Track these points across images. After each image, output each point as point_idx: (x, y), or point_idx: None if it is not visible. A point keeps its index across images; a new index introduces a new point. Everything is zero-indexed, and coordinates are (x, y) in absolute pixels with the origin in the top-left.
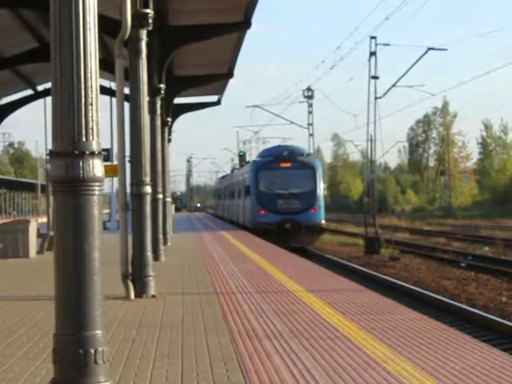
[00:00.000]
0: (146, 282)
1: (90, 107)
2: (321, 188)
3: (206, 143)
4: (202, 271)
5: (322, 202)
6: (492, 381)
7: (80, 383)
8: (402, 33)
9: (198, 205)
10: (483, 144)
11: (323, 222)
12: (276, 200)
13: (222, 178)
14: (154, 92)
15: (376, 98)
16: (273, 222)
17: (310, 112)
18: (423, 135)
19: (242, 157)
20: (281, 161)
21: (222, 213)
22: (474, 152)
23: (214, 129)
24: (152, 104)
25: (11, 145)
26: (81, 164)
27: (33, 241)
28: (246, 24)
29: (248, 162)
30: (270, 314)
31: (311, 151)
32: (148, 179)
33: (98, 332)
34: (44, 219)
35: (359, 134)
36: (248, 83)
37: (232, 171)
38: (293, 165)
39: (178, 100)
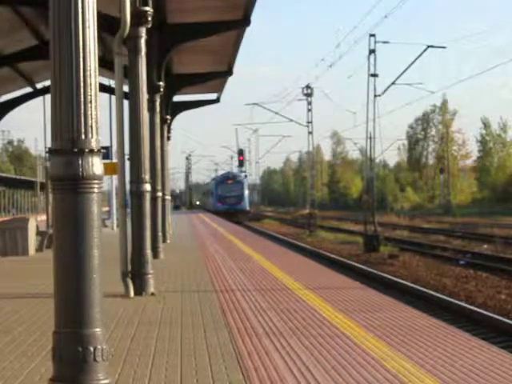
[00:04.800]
0: (146, 279)
1: (89, 105)
2: (246, 192)
3: (206, 141)
4: (201, 268)
5: (247, 199)
6: (491, 378)
7: (79, 381)
8: (401, 31)
9: (198, 202)
10: (482, 142)
11: (248, 208)
12: (225, 198)
13: (205, 184)
14: (153, 90)
15: (375, 96)
16: (223, 209)
17: (310, 110)
18: (422, 133)
19: (241, 154)
20: (228, 179)
21: (203, 205)
22: (473, 150)
23: (214, 127)
24: (151, 102)
25: (10, 142)
26: (80, 162)
27: (32, 239)
28: (245, 22)
29: (212, 179)
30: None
31: (309, 150)
32: (147, 177)
33: (98, 330)
34: (43, 217)
35: (358, 132)
36: (247, 81)
37: (212, 179)
38: (233, 181)
39: (177, 98)
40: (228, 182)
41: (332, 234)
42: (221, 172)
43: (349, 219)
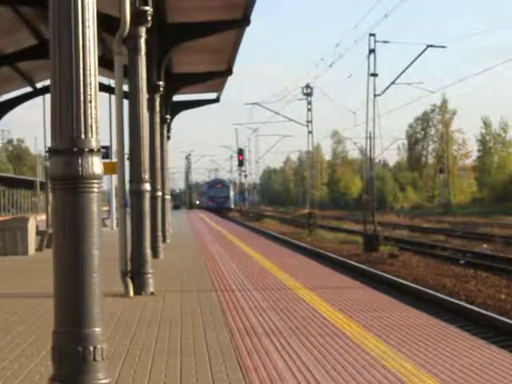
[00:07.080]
0: (145, 279)
1: (89, 104)
2: (231, 194)
3: (205, 140)
4: (201, 267)
5: (231, 199)
6: (491, 378)
7: (79, 380)
8: (401, 31)
9: (198, 202)
10: (482, 141)
11: (232, 206)
12: (215, 198)
13: (201, 186)
14: (152, 89)
15: (375, 96)
16: (214, 207)
17: (309, 109)
18: (422, 133)
19: (241, 154)
20: (217, 184)
21: (199, 203)
22: (473, 150)
23: (213, 126)
24: (151, 101)
25: (10, 142)
26: (80, 161)
27: (32, 238)
28: (244, 21)
29: (205, 184)
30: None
31: (309, 150)
32: (147, 176)
33: (97, 329)
34: (43, 217)
35: (358, 132)
36: (247, 81)
37: (206, 183)
38: (221, 186)
39: (177, 97)
40: (217, 186)
41: (332, 234)
42: (220, 172)
43: (349, 219)
